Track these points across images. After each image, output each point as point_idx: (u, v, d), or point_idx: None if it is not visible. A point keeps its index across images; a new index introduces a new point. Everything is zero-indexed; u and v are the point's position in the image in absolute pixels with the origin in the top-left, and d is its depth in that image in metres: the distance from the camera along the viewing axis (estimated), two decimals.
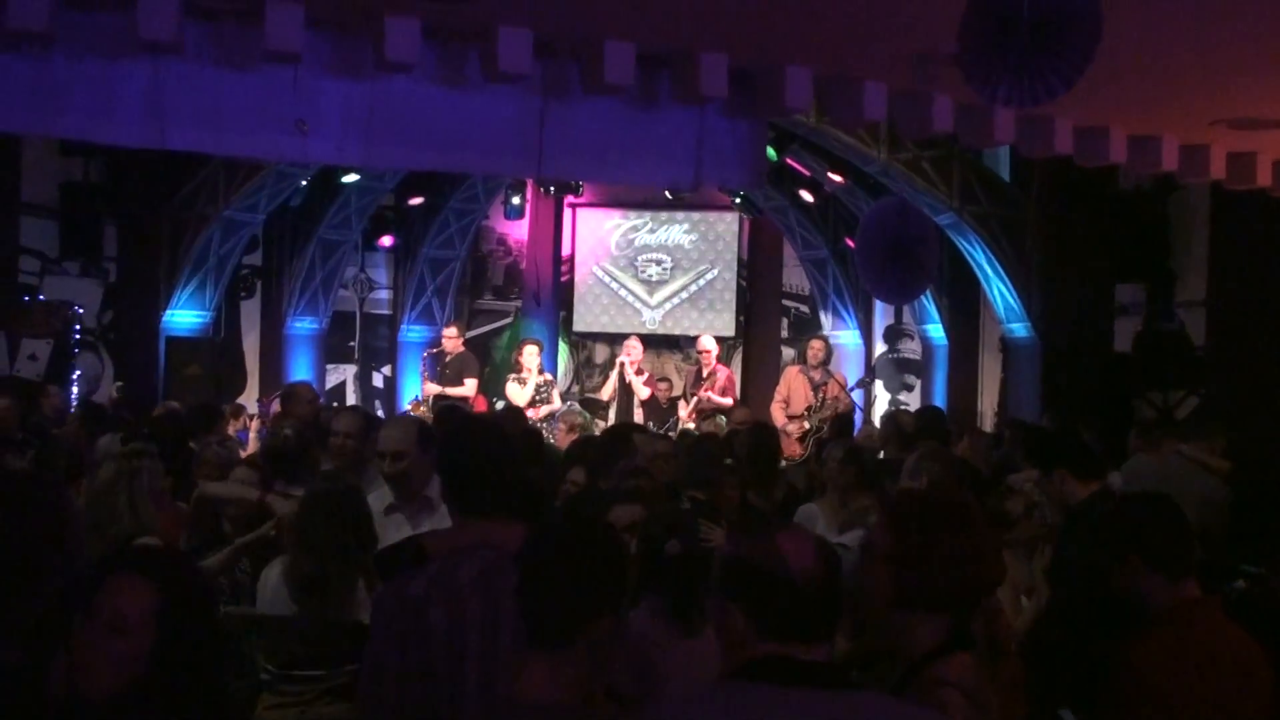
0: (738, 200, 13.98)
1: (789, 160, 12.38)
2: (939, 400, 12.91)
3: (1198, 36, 5.99)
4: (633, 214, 15.11)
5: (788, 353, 14.91)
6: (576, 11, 6.01)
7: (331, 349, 14.24)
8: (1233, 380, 9.85)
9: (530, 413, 10.89)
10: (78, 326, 11.78)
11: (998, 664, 4.08)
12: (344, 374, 14.66)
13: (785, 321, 15.30)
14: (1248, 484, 6.57)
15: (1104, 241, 11.05)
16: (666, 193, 14.10)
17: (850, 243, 12.42)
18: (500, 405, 12.27)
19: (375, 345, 14.83)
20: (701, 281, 15.05)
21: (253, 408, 11.73)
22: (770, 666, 2.13)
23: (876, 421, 11.92)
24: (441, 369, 11.93)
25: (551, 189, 14.33)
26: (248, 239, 12.82)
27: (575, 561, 2.44)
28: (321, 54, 6.31)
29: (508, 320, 15.24)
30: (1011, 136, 7.42)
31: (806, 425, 10.97)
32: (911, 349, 14.31)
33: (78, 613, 2.20)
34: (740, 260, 15.07)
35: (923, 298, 12.43)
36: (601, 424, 12.22)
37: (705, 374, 11.79)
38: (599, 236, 15.21)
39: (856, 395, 12.12)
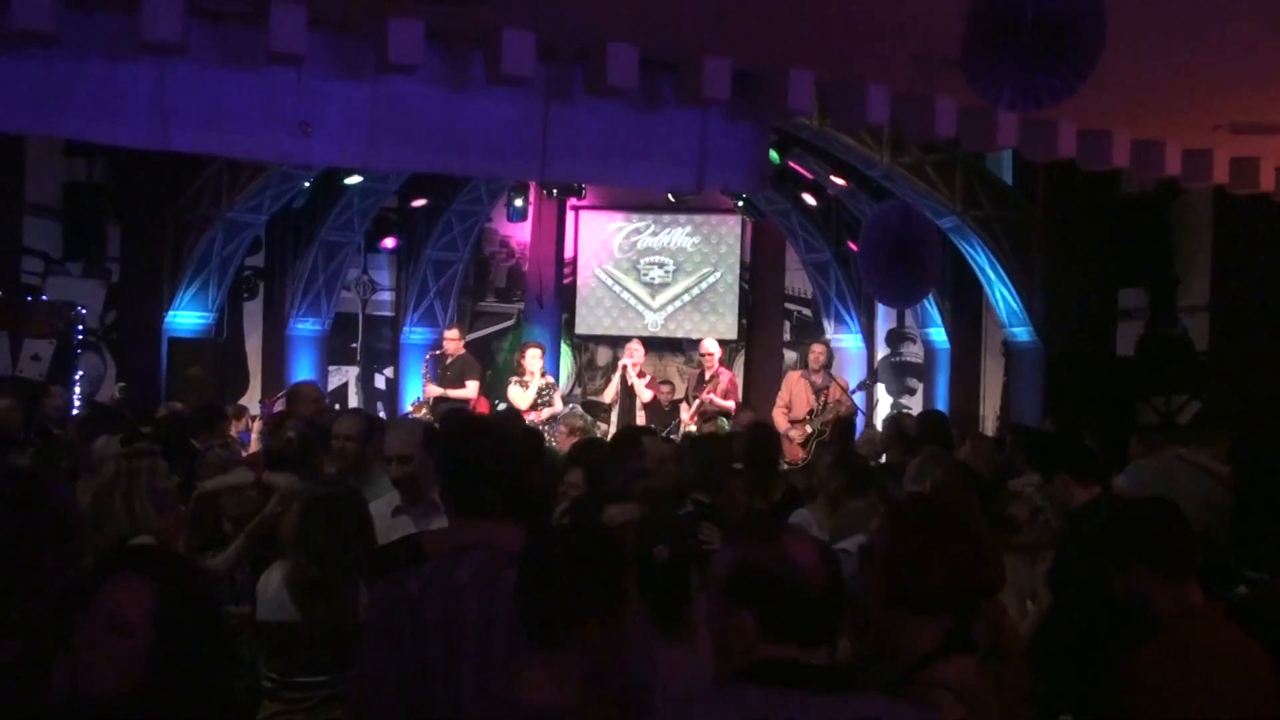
0: (740, 203, 13.98)
1: (792, 163, 12.39)
2: (941, 404, 12.91)
3: (1201, 41, 5.99)
4: (635, 217, 15.12)
5: (790, 356, 14.91)
6: (580, 14, 6.01)
7: (334, 351, 14.25)
8: (1235, 385, 9.84)
9: (532, 415, 10.90)
10: (80, 327, 11.79)
11: (1003, 668, 4.08)
12: (346, 376, 14.66)
13: (787, 325, 15.30)
14: (1250, 488, 6.56)
15: (1107, 245, 11.05)
16: (669, 195, 14.10)
17: (853, 246, 12.42)
18: (502, 408, 12.28)
19: (377, 347, 14.83)
20: (704, 284, 15.06)
21: (255, 409, 11.74)
22: (774, 669, 2.14)
23: (878, 425, 11.92)
24: (443, 371, 11.95)
25: (554, 191, 14.34)
26: (250, 240, 12.83)
27: (569, 562, 2.45)
28: (325, 56, 6.31)
29: (510, 322, 15.24)
30: (1014, 140, 7.42)
31: (809, 429, 10.97)
32: (914, 353, 14.31)
33: (78, 613, 2.20)
34: (743, 263, 15.07)
35: (925, 301, 12.43)
36: (604, 426, 12.24)
37: (708, 377, 11.79)
38: (601, 239, 15.22)
39: (858, 398, 12.12)
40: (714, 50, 6.44)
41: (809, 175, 13.00)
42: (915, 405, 13.71)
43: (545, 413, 11.17)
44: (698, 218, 14.98)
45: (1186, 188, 9.12)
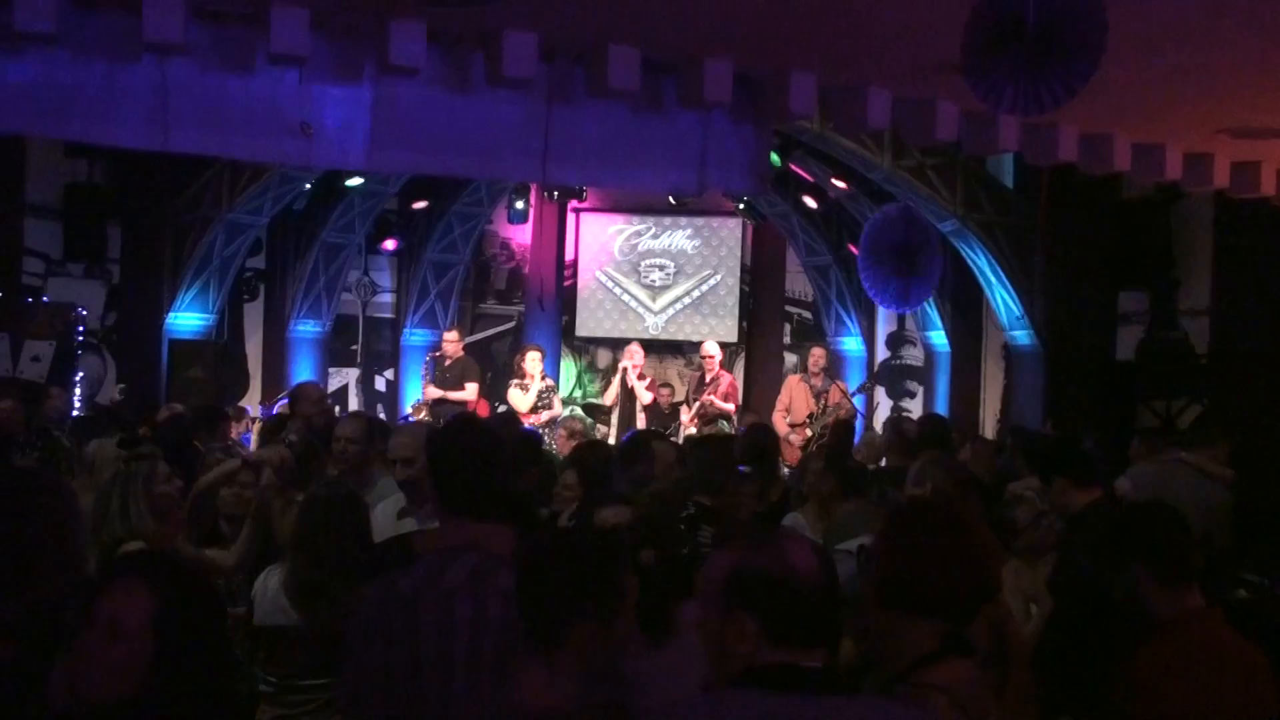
0: (741, 206, 13.98)
1: (793, 166, 12.39)
2: (941, 407, 12.90)
3: (1202, 45, 5.99)
4: (636, 219, 15.12)
5: (790, 359, 14.91)
6: (581, 16, 6.01)
7: (334, 352, 14.25)
8: (1235, 389, 9.84)
9: (532, 418, 10.90)
10: (81, 328, 11.79)
11: (1008, 672, 4.08)
12: (346, 377, 14.67)
13: (788, 327, 15.30)
14: (1250, 492, 6.56)
15: (1107, 249, 11.05)
16: (670, 198, 14.10)
17: (853, 249, 12.42)
18: (502, 410, 12.28)
19: (378, 349, 14.84)
20: (704, 287, 15.06)
21: (255, 411, 11.74)
22: (775, 673, 2.14)
23: (878, 428, 11.92)
24: (441, 373, 11.93)
25: (555, 193, 14.34)
26: (251, 241, 12.83)
27: (566, 563, 2.46)
28: (326, 57, 6.31)
29: (510, 324, 15.24)
30: (1016, 144, 7.42)
31: (808, 433, 10.97)
32: (914, 356, 14.31)
33: (79, 618, 2.19)
34: (743, 266, 15.08)
35: (925, 304, 12.43)
36: (603, 429, 12.24)
37: (708, 379, 11.80)
38: (602, 241, 15.22)
39: (858, 401, 12.12)
40: (715, 52, 6.45)
41: (810, 178, 13.01)
42: (915, 409, 13.71)
43: (545, 415, 11.17)
44: (698, 220, 14.99)
45: (1187, 192, 9.12)
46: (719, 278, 15.03)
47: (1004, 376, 12.66)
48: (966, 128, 7.20)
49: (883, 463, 8.44)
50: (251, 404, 12.45)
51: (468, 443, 3.17)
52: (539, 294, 14.87)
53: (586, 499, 4.81)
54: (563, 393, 13.49)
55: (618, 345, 14.15)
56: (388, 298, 14.87)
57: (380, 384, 14.89)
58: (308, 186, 12.52)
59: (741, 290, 15.04)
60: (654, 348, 14.47)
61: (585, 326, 15.23)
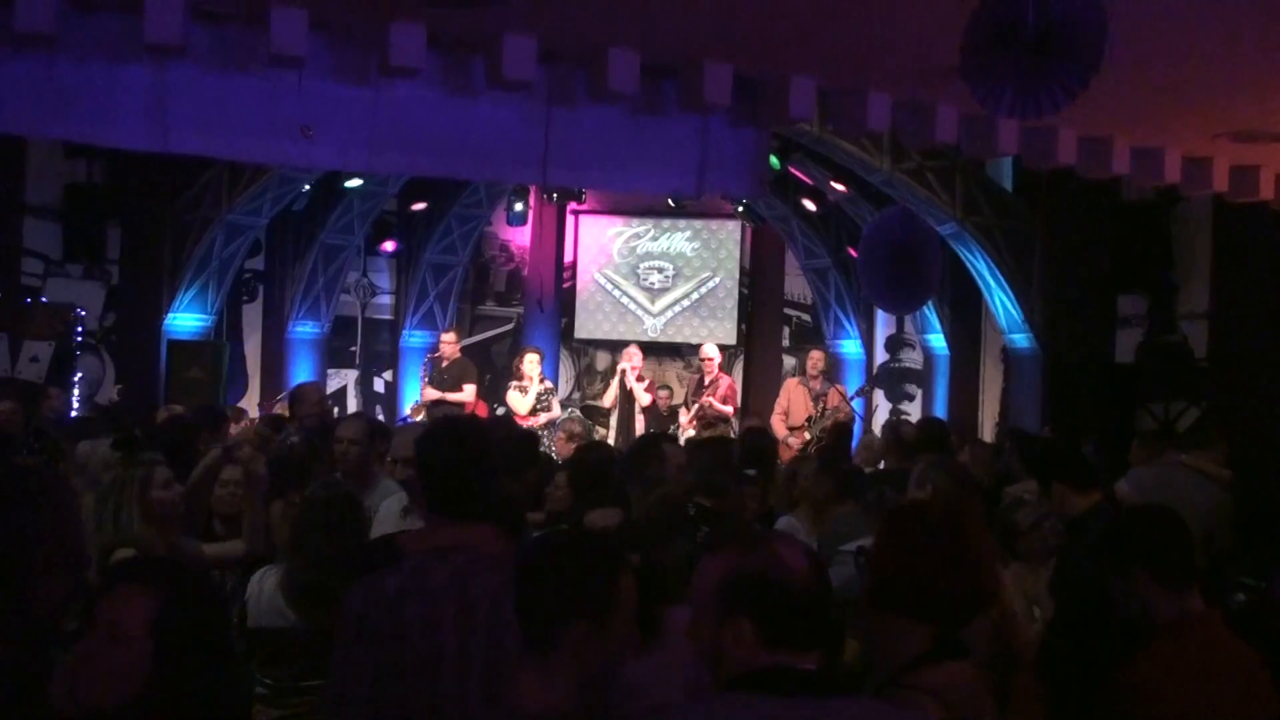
0: (740, 208, 13.99)
1: (792, 169, 12.41)
2: (940, 410, 12.91)
3: (1202, 49, 6.00)
4: (635, 221, 15.12)
5: (789, 361, 14.92)
6: (581, 19, 6.01)
7: (333, 354, 14.25)
8: (1234, 392, 9.84)
9: (531, 420, 10.89)
10: (80, 329, 11.78)
11: (1014, 674, 4.08)
12: (345, 379, 14.67)
13: (787, 330, 15.30)
14: (1249, 496, 6.56)
15: (1106, 253, 11.05)
16: (669, 200, 14.11)
17: (853, 252, 12.42)
18: (501, 412, 12.28)
19: (377, 350, 14.84)
20: (703, 289, 15.06)
21: (254, 411, 11.73)
22: (773, 676, 2.15)
23: (877, 431, 11.92)
24: (439, 374, 11.92)
25: (554, 195, 14.35)
26: (250, 243, 12.82)
27: (559, 564, 2.47)
28: (326, 59, 6.31)
29: (509, 326, 15.25)
30: (1015, 147, 7.42)
31: (807, 436, 10.97)
32: (913, 359, 14.32)
33: (80, 621, 2.19)
34: (742, 268, 15.09)
35: (924, 307, 12.43)
36: (602, 431, 12.24)
37: (707, 382, 11.80)
38: (601, 244, 15.22)
39: (857, 404, 12.12)
40: (715, 55, 6.45)
41: (809, 181, 13.01)
42: (914, 412, 13.72)
43: (544, 418, 11.16)
44: (697, 223, 14.99)
45: (1186, 195, 9.13)
46: (718, 280, 15.03)
47: (1003, 380, 12.66)
48: (966, 131, 7.20)
49: (881, 465, 8.45)
50: (250, 405, 12.45)
51: (454, 444, 3.19)
52: (538, 296, 14.88)
53: (576, 502, 4.82)
54: (560, 394, 13.48)
55: (617, 347, 14.16)
56: (386, 299, 14.87)
57: (379, 385, 14.89)
58: (307, 188, 12.52)
59: (740, 293, 15.04)
60: (653, 350, 14.48)
61: (584, 328, 15.23)
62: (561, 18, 5.94)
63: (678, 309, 15.10)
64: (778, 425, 11.12)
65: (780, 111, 6.87)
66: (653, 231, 15.14)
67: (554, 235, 15.07)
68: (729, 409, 11.72)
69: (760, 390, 14.43)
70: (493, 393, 13.55)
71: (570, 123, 6.96)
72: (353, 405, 14.33)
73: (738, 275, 15.04)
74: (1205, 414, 10.14)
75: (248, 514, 5.00)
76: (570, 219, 15.16)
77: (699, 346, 12.75)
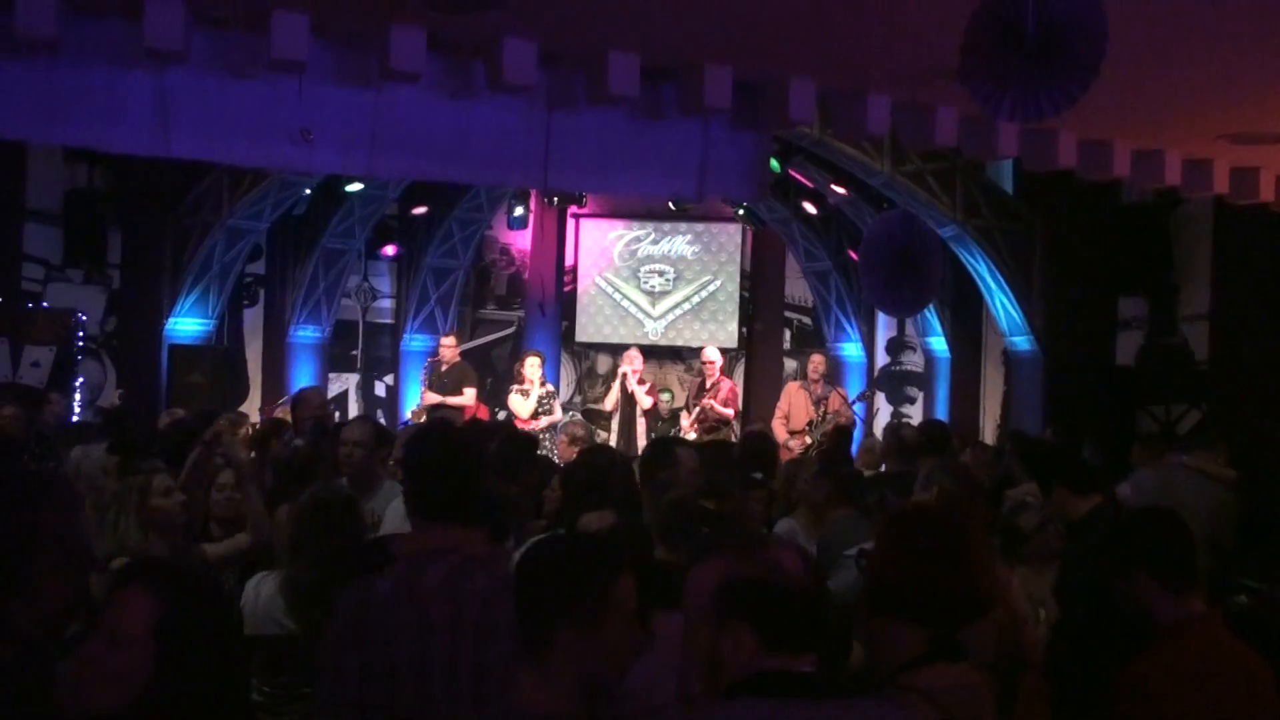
0: (741, 211, 13.99)
1: (792, 172, 12.41)
2: (941, 413, 12.91)
3: (1202, 51, 6.00)
4: (636, 225, 15.13)
5: (790, 364, 14.92)
6: (581, 23, 6.01)
7: (334, 358, 14.25)
8: (1235, 394, 9.85)
9: (532, 424, 10.89)
10: (81, 334, 11.79)
11: (1020, 676, 4.08)
12: (346, 383, 14.67)
13: (788, 333, 15.30)
14: (1250, 498, 6.56)
15: (1107, 255, 11.06)
16: (670, 204, 14.12)
17: (853, 255, 12.42)
18: (503, 415, 12.29)
19: (378, 354, 14.84)
20: (704, 293, 15.07)
21: (255, 416, 11.73)
22: (774, 680, 2.15)
23: (878, 434, 11.92)
24: (439, 378, 11.91)
25: (555, 199, 14.35)
26: (251, 247, 12.84)
27: (550, 567, 2.48)
28: (327, 63, 6.32)
29: (510, 330, 15.25)
30: (1015, 150, 7.42)
31: (808, 440, 10.97)
32: (914, 361, 14.32)
33: (83, 625, 2.19)
34: (743, 272, 15.09)
35: (926, 310, 12.43)
36: (603, 434, 12.23)
37: (709, 385, 11.80)
38: (602, 247, 15.23)
39: (857, 409, 12.12)
40: (715, 59, 6.45)
41: (810, 184, 13.02)
42: (915, 414, 13.72)
43: (545, 421, 11.16)
44: (698, 226, 15.00)
45: (1187, 197, 9.13)
46: (719, 283, 15.04)
47: (1004, 382, 12.67)
48: (966, 133, 7.20)
49: (882, 468, 8.44)
50: (251, 409, 12.45)
51: (441, 448, 3.20)
52: (539, 299, 14.88)
53: (566, 505, 4.82)
54: (561, 398, 13.48)
55: (617, 351, 14.15)
56: (387, 303, 14.88)
57: (380, 389, 14.89)
58: (308, 192, 12.53)
59: (741, 296, 15.04)
60: (654, 353, 14.48)
61: (585, 332, 15.23)
62: (562, 21, 5.94)
63: (678, 312, 15.10)
64: (778, 429, 11.12)
65: (780, 114, 6.87)
66: (653, 235, 15.14)
67: (555, 239, 15.08)
68: (730, 412, 11.72)
69: (761, 393, 14.43)
70: (494, 396, 13.55)
71: (571, 126, 6.96)
72: (354, 409, 14.33)
73: (738, 278, 15.04)
74: (1206, 416, 10.14)
75: (247, 502, 4.99)
76: (571, 222, 15.17)
77: (700, 350, 12.75)
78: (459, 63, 6.54)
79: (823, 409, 11.22)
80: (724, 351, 13.38)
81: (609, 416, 12.61)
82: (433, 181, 12.36)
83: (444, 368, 11.92)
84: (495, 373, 14.74)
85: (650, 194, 12.21)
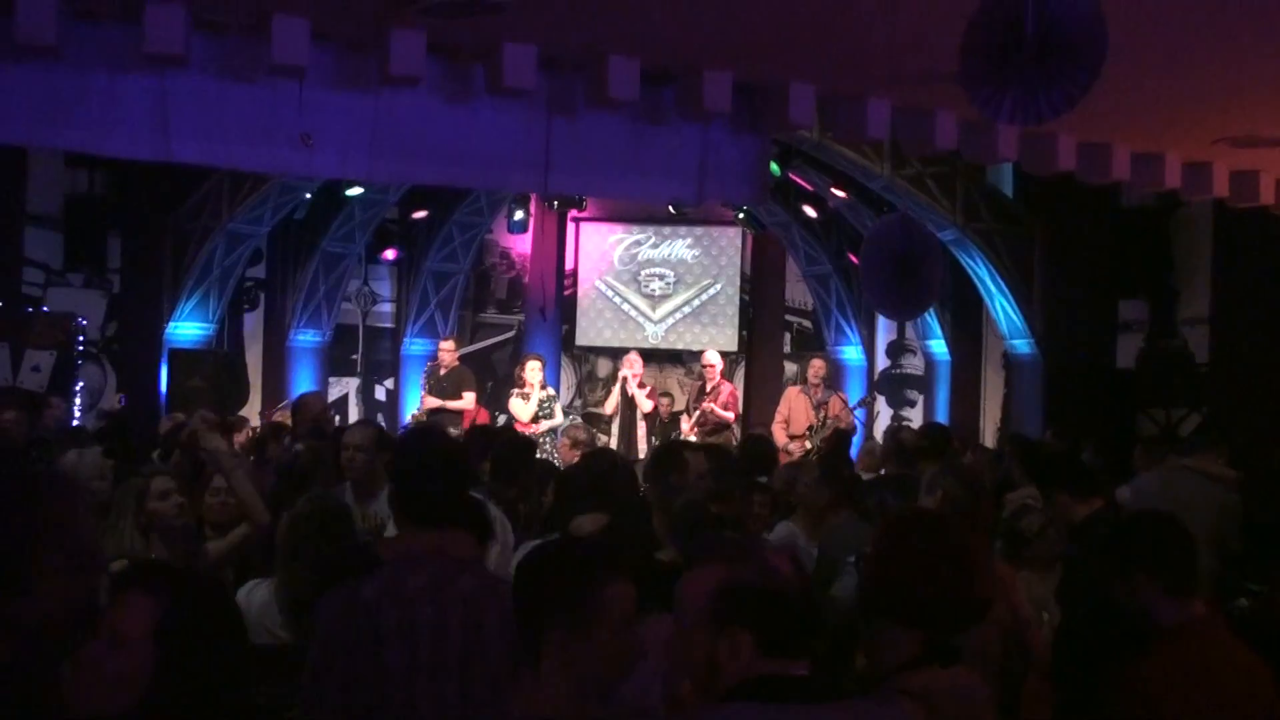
0: (741, 215, 13.99)
1: (792, 175, 12.41)
2: (941, 416, 12.91)
3: (1201, 54, 6.00)
4: (636, 229, 15.13)
5: (790, 368, 14.92)
6: (581, 27, 6.02)
7: (334, 362, 14.25)
8: (1235, 397, 9.85)
9: (533, 428, 10.89)
10: (81, 338, 11.78)
11: (1024, 679, 4.08)
12: (347, 387, 14.67)
13: (788, 336, 15.31)
14: (1250, 501, 6.56)
15: (1107, 258, 11.07)
16: (670, 207, 14.12)
17: (853, 258, 12.42)
18: (503, 419, 12.28)
19: (378, 358, 14.84)
20: (704, 296, 15.07)
21: (255, 420, 11.73)
22: (772, 684, 2.16)
23: (879, 437, 11.92)
24: (437, 382, 11.90)
25: (555, 203, 14.36)
26: (251, 251, 12.83)
27: (535, 572, 2.50)
28: (327, 68, 6.33)
29: (511, 334, 15.25)
30: (1015, 153, 7.43)
31: (808, 445, 10.96)
32: (914, 365, 14.32)
33: (85, 627, 2.19)
34: (743, 275, 15.09)
35: (926, 313, 12.43)
36: (604, 438, 12.22)
37: (709, 388, 11.80)
38: (602, 251, 15.23)
39: (858, 414, 12.12)
40: (715, 63, 6.46)
41: (809, 187, 13.02)
42: (915, 417, 13.71)
43: (545, 425, 11.15)
44: (698, 229, 15.00)
45: (1186, 201, 9.14)
46: (719, 287, 15.04)
47: (1004, 385, 12.67)
48: (966, 137, 7.21)
49: (882, 471, 8.44)
50: (251, 414, 12.45)
51: (425, 452, 3.21)
52: (539, 303, 14.89)
53: (556, 509, 4.82)
54: (561, 401, 13.48)
55: (618, 354, 14.15)
56: (388, 307, 14.88)
57: (380, 393, 14.89)
58: (308, 196, 12.52)
59: (741, 299, 15.05)
60: (654, 357, 14.48)
61: (585, 336, 15.23)
62: (561, 25, 5.95)
63: (679, 316, 15.10)
64: (778, 434, 11.11)
65: (780, 118, 6.88)
66: (653, 238, 15.15)
67: (555, 242, 15.08)
68: (730, 415, 11.72)
69: (761, 397, 14.43)
70: (494, 400, 13.55)
71: (570, 130, 6.97)
72: (354, 414, 14.32)
73: (738, 282, 15.04)
74: (1206, 419, 10.14)
75: (236, 490, 4.97)
76: (571, 226, 15.17)
77: (700, 353, 12.75)
78: (459, 67, 6.55)
79: (823, 414, 11.21)
80: (724, 355, 13.38)
81: (609, 420, 12.60)
82: (433, 186, 12.36)
83: (443, 371, 11.90)
84: (495, 377, 14.73)
85: (650, 198, 12.20)
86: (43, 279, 11.97)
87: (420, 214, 14.00)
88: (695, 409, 11.74)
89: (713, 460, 5.71)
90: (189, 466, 5.35)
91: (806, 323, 15.22)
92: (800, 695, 2.17)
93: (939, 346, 13.30)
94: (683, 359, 15.00)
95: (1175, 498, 5.77)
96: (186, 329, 12.30)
